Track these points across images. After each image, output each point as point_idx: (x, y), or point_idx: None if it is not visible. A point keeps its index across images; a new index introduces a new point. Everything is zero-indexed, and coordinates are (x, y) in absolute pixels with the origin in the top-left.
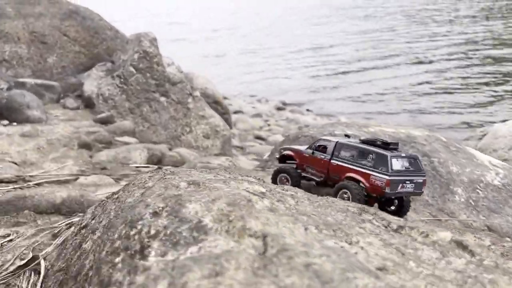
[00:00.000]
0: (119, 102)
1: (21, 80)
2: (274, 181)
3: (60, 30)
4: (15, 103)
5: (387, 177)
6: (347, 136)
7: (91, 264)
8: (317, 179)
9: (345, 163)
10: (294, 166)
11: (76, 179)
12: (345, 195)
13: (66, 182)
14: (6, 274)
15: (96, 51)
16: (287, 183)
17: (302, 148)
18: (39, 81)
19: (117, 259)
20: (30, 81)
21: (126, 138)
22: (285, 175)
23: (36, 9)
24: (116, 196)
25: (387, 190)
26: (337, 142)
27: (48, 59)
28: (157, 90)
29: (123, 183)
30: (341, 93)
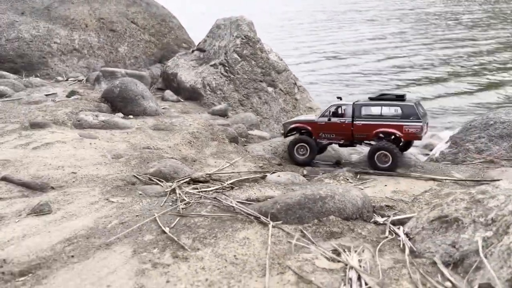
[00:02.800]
0: (228, 93)
1: (109, 69)
2: (291, 151)
3: (127, 17)
4: (131, 92)
5: (420, 123)
6: (339, 98)
7: None
8: (339, 142)
9: (372, 120)
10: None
11: (264, 176)
12: (385, 158)
13: (254, 180)
14: None
15: (165, 41)
16: (303, 152)
17: (312, 117)
18: (129, 71)
19: None
20: (120, 70)
21: (256, 132)
22: (304, 144)
23: None
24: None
25: (422, 134)
26: (353, 104)
27: (119, 48)
28: (264, 79)
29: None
30: None
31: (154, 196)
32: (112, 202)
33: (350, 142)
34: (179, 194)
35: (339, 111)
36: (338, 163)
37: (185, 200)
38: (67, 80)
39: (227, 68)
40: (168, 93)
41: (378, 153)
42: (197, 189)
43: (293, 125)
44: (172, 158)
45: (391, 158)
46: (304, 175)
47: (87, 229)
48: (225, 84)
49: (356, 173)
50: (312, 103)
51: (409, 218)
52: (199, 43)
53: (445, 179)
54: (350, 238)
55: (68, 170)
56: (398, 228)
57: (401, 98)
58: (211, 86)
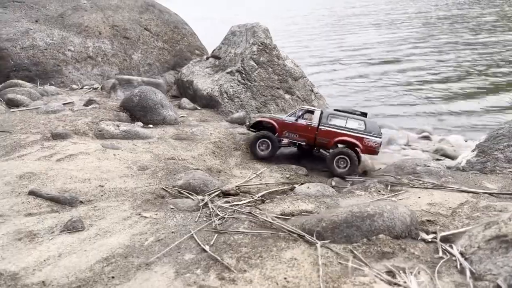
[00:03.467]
0: (245, 100)
1: (125, 77)
2: (253, 146)
3: (141, 24)
4: (150, 101)
5: (380, 140)
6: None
7: None
8: (301, 143)
9: (336, 128)
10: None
11: (292, 188)
12: (342, 163)
13: (283, 192)
14: None
15: (178, 48)
16: (266, 148)
17: (280, 116)
18: (145, 78)
19: None
20: (136, 78)
21: None
22: (267, 140)
23: (112, 1)
24: None
25: (379, 149)
26: (322, 111)
27: (132, 55)
28: (281, 86)
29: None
30: (417, 108)
31: (187, 211)
32: (145, 217)
33: (310, 146)
34: (212, 208)
35: (308, 115)
36: (364, 173)
37: (219, 215)
38: (82, 88)
39: (244, 75)
40: (185, 101)
41: (338, 157)
42: (229, 202)
43: (259, 119)
44: (197, 169)
45: (349, 162)
46: (332, 186)
47: (123, 248)
48: (242, 91)
49: (387, 184)
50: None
51: (456, 235)
52: (214, 50)
53: (486, 193)
54: (403, 258)
55: (95, 183)
56: (451, 247)
57: (364, 115)
58: (228, 93)
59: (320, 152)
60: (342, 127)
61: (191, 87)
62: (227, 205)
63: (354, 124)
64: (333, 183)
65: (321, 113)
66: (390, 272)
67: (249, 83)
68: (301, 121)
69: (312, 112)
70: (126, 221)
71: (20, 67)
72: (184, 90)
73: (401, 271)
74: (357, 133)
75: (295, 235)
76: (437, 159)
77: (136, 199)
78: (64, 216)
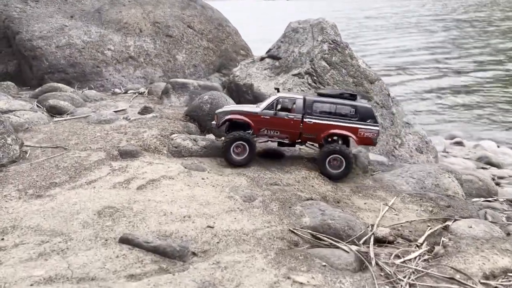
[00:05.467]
0: None
1: (180, 80)
2: (227, 150)
3: (183, 21)
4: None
5: (378, 128)
6: (277, 90)
7: None
8: (283, 141)
9: (324, 120)
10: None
11: (445, 226)
12: (335, 162)
13: (435, 233)
14: None
15: (223, 47)
16: (242, 152)
17: (252, 109)
18: (201, 82)
19: None
20: (192, 82)
21: (371, 156)
22: (243, 143)
23: None
24: None
25: (377, 140)
26: (305, 98)
27: (177, 56)
28: (357, 90)
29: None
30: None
31: (347, 269)
32: (300, 284)
33: (294, 142)
34: (389, 270)
35: (289, 105)
36: None
37: (402, 279)
38: (125, 92)
39: (315, 77)
40: None
41: (330, 157)
42: (399, 257)
43: (229, 116)
44: (310, 198)
45: (344, 163)
46: (491, 221)
47: None
48: None
49: None
50: (408, 117)
51: None
52: (270, 49)
53: None
54: None
55: (200, 223)
56: None
57: (354, 97)
58: None
59: (308, 146)
60: (331, 116)
61: (250, 91)
62: (398, 261)
63: (345, 110)
64: (490, 218)
65: (304, 101)
66: None
67: (322, 87)
68: (281, 114)
69: (293, 100)
70: None
71: (56, 69)
72: (239, 94)
73: None
74: (349, 122)
75: None
76: (483, 168)
77: (265, 248)
78: (183, 281)
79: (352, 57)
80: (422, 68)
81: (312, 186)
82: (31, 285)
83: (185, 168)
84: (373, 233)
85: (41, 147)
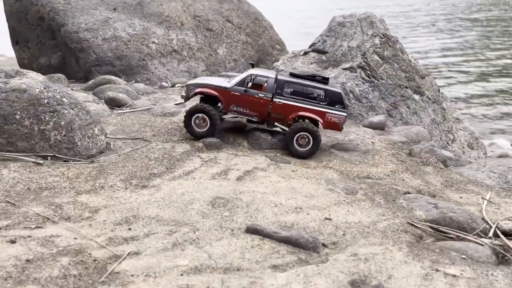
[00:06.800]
0: (374, 101)
1: (230, 74)
2: (187, 122)
3: (222, 15)
4: None
5: (345, 114)
6: (252, 65)
7: None
8: (252, 119)
9: (293, 101)
10: (217, 105)
11: None
12: (303, 140)
13: None
14: None
15: (260, 42)
16: (203, 124)
17: (223, 83)
18: None
19: None
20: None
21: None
22: (203, 115)
23: None
24: None
25: (343, 125)
26: (276, 78)
27: (218, 50)
28: (409, 85)
29: None
30: None
31: (488, 262)
32: (454, 276)
33: (262, 121)
34: None
35: (262, 83)
36: None
37: None
38: (172, 86)
39: (368, 71)
40: None
41: (299, 134)
42: None
43: (198, 89)
44: (408, 192)
45: (312, 140)
46: None
47: None
48: (369, 91)
49: None
50: (457, 113)
51: None
52: (314, 43)
53: None
54: None
55: (315, 215)
56: None
57: (326, 80)
58: (354, 93)
59: (275, 126)
60: (300, 98)
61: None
62: None
63: (315, 93)
64: None
65: (275, 80)
66: None
67: (376, 81)
68: (252, 92)
69: (265, 79)
70: (428, 282)
71: (103, 61)
72: None
73: None
74: (318, 106)
75: None
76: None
77: (395, 241)
78: (331, 272)
79: (403, 51)
80: (456, 71)
81: (403, 180)
82: (181, 274)
83: (271, 160)
84: (497, 226)
85: (120, 138)
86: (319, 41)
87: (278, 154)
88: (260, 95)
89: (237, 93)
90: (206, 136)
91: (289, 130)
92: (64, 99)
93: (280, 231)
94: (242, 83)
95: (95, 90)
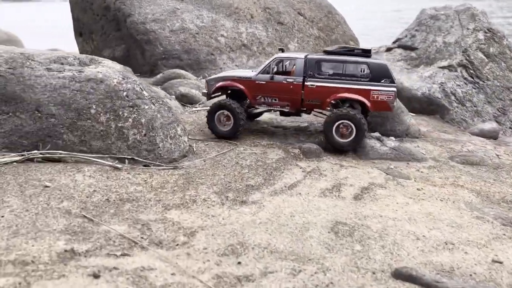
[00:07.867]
0: (479, 105)
1: None
2: (210, 120)
3: (294, 7)
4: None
5: (394, 89)
6: (281, 50)
7: None
8: (284, 109)
9: (329, 82)
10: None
11: None
12: (345, 130)
13: None
14: None
15: (333, 37)
16: (227, 123)
17: (247, 73)
18: None
19: None
20: None
21: None
22: (227, 112)
23: None
24: None
25: (395, 104)
26: (306, 57)
27: (289, 45)
28: None
29: None
30: None
31: None
32: None
33: (297, 110)
34: None
35: (286, 67)
36: None
37: None
38: None
39: (471, 71)
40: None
41: (338, 123)
42: None
43: (220, 83)
44: None
45: (355, 130)
46: None
47: None
48: (473, 93)
49: None
50: None
51: None
52: (399, 38)
53: None
54: None
55: (476, 254)
56: None
57: (367, 53)
58: (457, 95)
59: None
60: (338, 78)
61: None
62: None
63: (355, 70)
64: None
65: (306, 60)
66: None
67: (481, 82)
68: (278, 78)
69: (293, 61)
70: None
71: (170, 54)
72: None
73: None
74: (360, 84)
75: None
76: None
77: None
78: None
79: (510, 48)
80: None
81: None
82: None
83: (387, 174)
84: None
85: (201, 140)
86: (405, 36)
87: (392, 167)
88: (289, 80)
89: (263, 82)
90: (229, 136)
91: (327, 118)
92: (144, 92)
93: (444, 281)
94: (267, 70)
95: (164, 85)
